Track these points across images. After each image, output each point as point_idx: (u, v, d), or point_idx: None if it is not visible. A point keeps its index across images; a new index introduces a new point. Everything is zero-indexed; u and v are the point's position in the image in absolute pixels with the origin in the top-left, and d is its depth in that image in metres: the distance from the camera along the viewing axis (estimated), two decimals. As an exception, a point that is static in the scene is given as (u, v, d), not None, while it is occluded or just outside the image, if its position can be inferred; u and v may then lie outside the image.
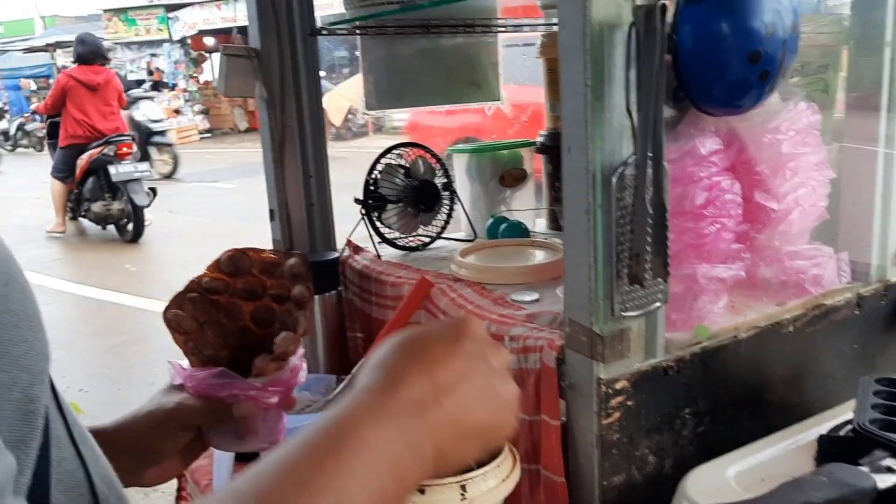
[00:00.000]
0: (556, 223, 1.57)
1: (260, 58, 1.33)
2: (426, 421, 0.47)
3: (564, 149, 0.87)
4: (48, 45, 19.21)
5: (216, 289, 0.81)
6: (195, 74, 18.82)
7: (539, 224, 1.61)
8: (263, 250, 0.83)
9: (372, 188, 1.43)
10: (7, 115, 17.48)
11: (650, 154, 0.82)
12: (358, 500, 0.42)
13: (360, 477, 0.42)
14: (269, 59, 1.34)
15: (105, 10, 18.64)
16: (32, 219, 8.91)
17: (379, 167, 1.43)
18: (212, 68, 19.46)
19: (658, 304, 0.89)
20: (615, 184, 0.83)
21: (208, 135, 18.06)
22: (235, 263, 0.81)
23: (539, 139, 1.56)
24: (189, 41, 18.25)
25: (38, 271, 6.40)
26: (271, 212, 1.44)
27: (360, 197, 1.41)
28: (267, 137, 1.38)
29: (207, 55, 19.08)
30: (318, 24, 1.36)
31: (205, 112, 18.42)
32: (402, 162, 1.47)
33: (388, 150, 1.45)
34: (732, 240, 0.98)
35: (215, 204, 9.22)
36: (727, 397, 1.00)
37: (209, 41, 18.62)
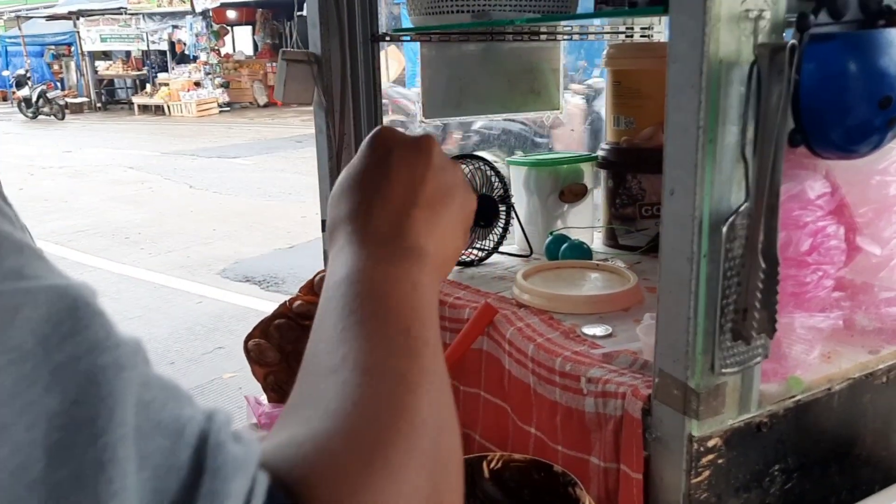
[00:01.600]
0: (613, 240, 1.51)
1: (320, 64, 1.27)
2: (412, 242, 0.50)
3: (666, 191, 0.81)
4: (70, 12, 19.20)
5: (309, 314, 0.74)
6: (216, 47, 18.74)
7: (596, 239, 1.55)
8: None
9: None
10: (29, 83, 17.49)
11: (766, 203, 0.76)
12: (416, 320, 0.44)
13: (410, 308, 0.45)
14: (330, 65, 1.28)
15: (128, -21, 18.55)
16: (54, 189, 8.92)
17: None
18: (233, 41, 19.40)
19: (758, 358, 0.83)
20: (725, 233, 0.77)
21: (227, 108, 18.04)
22: None
23: (600, 153, 1.50)
24: (211, 14, 18.14)
25: (60, 243, 6.41)
26: (324, 222, 1.38)
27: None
28: (323, 146, 1.33)
29: (229, 28, 19.01)
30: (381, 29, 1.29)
31: (225, 86, 18.38)
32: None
33: (447, 162, 1.39)
34: (833, 287, 0.92)
35: (235, 180, 9.20)
36: (817, 452, 0.95)
37: (231, 14, 18.54)
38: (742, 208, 0.77)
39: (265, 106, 17.94)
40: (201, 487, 0.29)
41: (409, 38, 1.34)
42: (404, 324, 0.44)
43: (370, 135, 0.56)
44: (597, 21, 1.36)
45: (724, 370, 0.80)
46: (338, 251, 0.50)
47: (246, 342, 0.73)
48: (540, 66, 1.55)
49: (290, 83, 1.27)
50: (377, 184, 0.52)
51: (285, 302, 0.74)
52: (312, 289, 0.74)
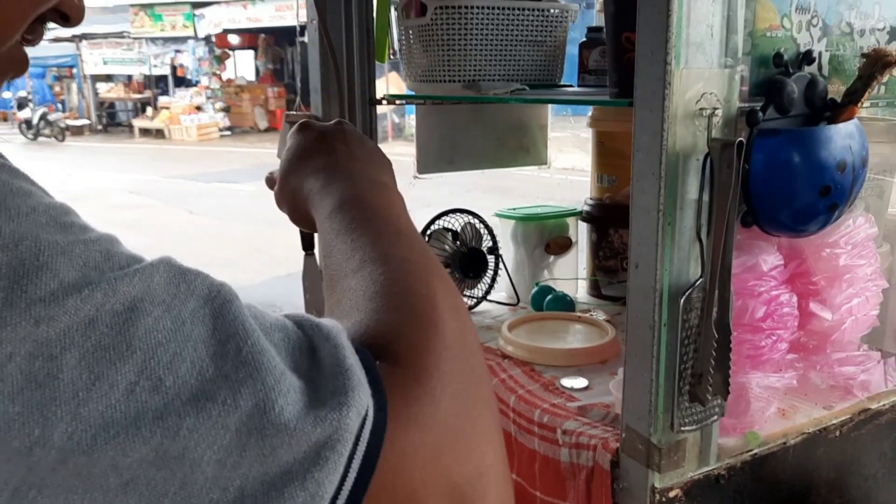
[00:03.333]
0: (597, 291, 1.59)
1: (321, 125, 1.36)
2: (374, 177, 0.66)
3: (631, 264, 0.90)
4: (74, 35, 19.41)
5: None
6: (218, 72, 18.95)
7: (581, 289, 1.64)
8: None
9: (420, 251, 1.46)
10: (31, 104, 17.65)
11: (718, 278, 0.85)
12: (404, 223, 0.59)
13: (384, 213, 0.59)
14: (330, 126, 1.37)
15: (132, 5, 18.78)
16: (54, 213, 8.98)
17: (429, 232, 1.46)
18: (234, 66, 19.61)
19: (715, 417, 0.91)
20: (682, 304, 0.86)
21: (228, 133, 18.20)
22: None
23: (585, 208, 1.59)
24: (214, 39, 18.36)
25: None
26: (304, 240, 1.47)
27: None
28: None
29: (231, 53, 19.22)
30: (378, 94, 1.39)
31: (226, 110, 18.55)
32: (453, 226, 1.49)
33: (439, 216, 1.48)
34: (787, 350, 1.00)
35: (234, 206, 9.28)
36: (774, 503, 1.02)
37: (234, 39, 18.76)
38: (698, 283, 0.86)
39: (266, 130, 18.09)
40: (320, 351, 0.38)
41: (403, 101, 1.43)
42: (395, 226, 0.57)
43: (298, 124, 0.74)
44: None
45: (683, 428, 0.89)
46: (319, 195, 0.64)
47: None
48: (528, 123, 1.64)
49: (292, 144, 1.36)
50: (327, 147, 0.68)
51: None
52: None
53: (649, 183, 0.85)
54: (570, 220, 1.60)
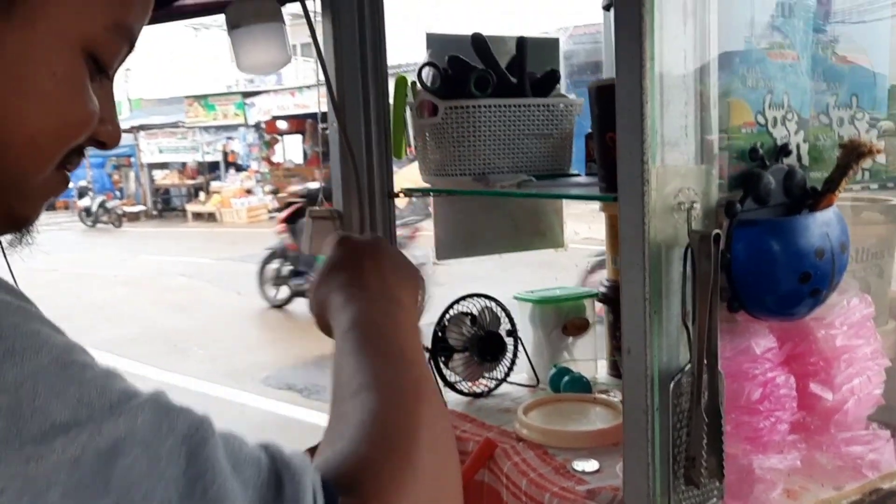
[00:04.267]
0: (616, 371, 1.61)
1: (342, 219, 1.45)
2: (392, 295, 0.70)
3: (624, 350, 0.94)
4: (132, 127, 20.41)
5: None
6: (268, 156, 19.62)
7: (601, 368, 1.66)
8: None
9: (440, 335, 1.51)
10: (90, 193, 18.47)
11: (706, 363, 0.88)
12: (408, 346, 0.63)
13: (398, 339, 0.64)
14: (350, 220, 1.46)
15: (187, 96, 19.74)
16: (109, 297, 9.31)
17: (448, 316, 1.52)
18: (283, 150, 20.29)
19: (714, 500, 0.93)
20: (672, 389, 0.89)
21: (276, 213, 18.68)
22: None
23: (601, 289, 1.63)
24: (263, 125, 19.10)
25: (112, 351, 6.66)
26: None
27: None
28: (345, 290, 1.49)
29: (280, 138, 19.93)
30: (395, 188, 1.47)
31: (274, 192, 19.11)
32: (470, 310, 1.55)
33: (457, 301, 1.54)
34: (787, 431, 1.02)
35: (282, 287, 9.47)
36: (784, 586, 1.02)
37: (282, 125, 19.48)
38: (686, 367, 0.89)
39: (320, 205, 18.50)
40: (286, 487, 0.42)
41: (420, 194, 1.51)
42: (398, 350, 0.61)
43: (338, 238, 0.78)
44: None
45: (681, 511, 0.90)
46: (338, 311, 0.68)
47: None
48: (543, 208, 1.70)
49: (316, 237, 1.45)
50: (356, 263, 0.73)
51: None
52: None
53: (635, 273, 0.90)
54: (587, 302, 1.64)
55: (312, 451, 0.56)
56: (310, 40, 1.36)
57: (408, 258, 0.79)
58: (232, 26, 1.29)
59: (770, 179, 0.91)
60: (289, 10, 1.51)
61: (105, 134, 0.61)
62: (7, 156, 0.54)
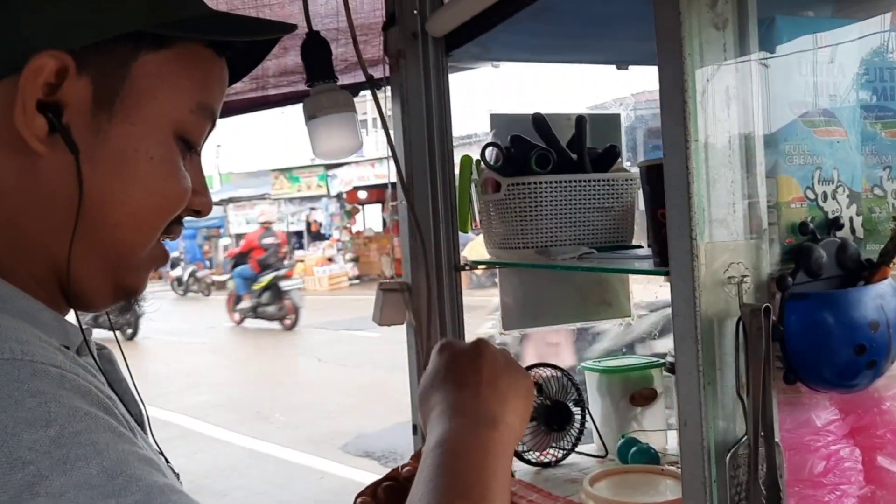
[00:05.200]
0: (686, 441, 1.60)
1: (410, 291, 1.52)
2: (498, 412, 0.70)
3: (680, 422, 0.95)
4: (222, 199, 21.39)
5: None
6: (348, 225, 20.18)
7: (671, 439, 1.65)
8: (405, 465, 0.93)
9: (507, 404, 1.54)
10: (182, 263, 19.31)
11: (762, 435, 0.89)
12: (487, 479, 0.62)
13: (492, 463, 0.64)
14: (418, 291, 1.52)
15: (273, 170, 20.62)
16: (197, 364, 9.64)
17: (514, 386, 1.55)
18: (363, 219, 20.84)
19: (778, 576, 0.92)
20: (729, 461, 0.90)
21: (357, 281, 19.08)
22: (393, 492, 0.89)
23: (668, 360, 1.63)
24: (345, 195, 19.71)
25: (198, 417, 6.87)
26: (414, 426, 1.57)
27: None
28: (413, 360, 1.54)
29: (360, 208, 20.50)
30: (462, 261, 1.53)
31: (355, 260, 19.56)
32: (537, 379, 1.57)
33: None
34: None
35: (360, 352, 9.62)
36: None
37: (362, 195, 20.05)
38: (743, 440, 0.90)
39: (392, 278, 18.80)
40: None
41: (485, 267, 1.57)
42: (477, 476, 0.62)
43: (438, 345, 0.79)
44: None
45: (742, 587, 0.90)
46: (432, 424, 0.69)
47: (355, 499, 0.88)
48: (608, 279, 1.73)
49: (386, 308, 1.52)
50: (455, 376, 0.73)
51: (397, 468, 0.89)
52: (420, 457, 0.90)
53: (688, 345, 0.92)
54: (656, 372, 1.64)
55: None
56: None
57: (515, 363, 0.78)
58: (309, 117, 1.40)
59: (822, 253, 0.93)
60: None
61: (199, 203, 0.70)
62: (114, 234, 0.63)
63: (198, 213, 0.70)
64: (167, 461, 0.67)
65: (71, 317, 0.66)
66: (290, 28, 0.73)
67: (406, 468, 0.90)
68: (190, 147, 0.68)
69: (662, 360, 1.64)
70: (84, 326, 0.66)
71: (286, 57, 1.75)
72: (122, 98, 0.61)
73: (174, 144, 0.65)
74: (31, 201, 0.59)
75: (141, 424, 0.71)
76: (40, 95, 0.57)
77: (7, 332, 0.50)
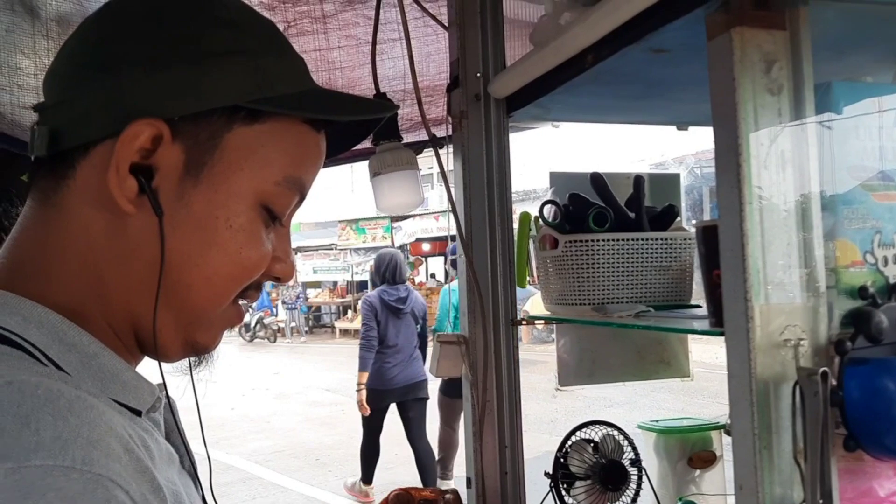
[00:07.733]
0: (748, 508, 1.55)
1: (467, 343, 1.54)
2: None
3: (736, 486, 0.94)
4: (293, 248, 21.86)
5: None
6: (412, 276, 20.32)
7: (731, 505, 1.60)
8: (423, 489, 1.11)
9: (561, 461, 1.53)
10: (251, 309, 19.74)
11: (821, 502, 0.87)
12: None
13: None
14: (475, 345, 1.54)
15: (340, 221, 21.06)
16: (260, 409, 9.77)
17: (569, 443, 1.54)
18: (426, 270, 20.97)
19: None
20: (786, 530, 0.88)
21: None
22: (401, 501, 1.02)
23: (727, 422, 1.60)
24: (408, 247, 19.92)
25: (259, 462, 6.94)
26: (468, 479, 1.57)
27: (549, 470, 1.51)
28: (469, 412, 1.55)
29: (423, 259, 20.66)
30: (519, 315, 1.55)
31: (417, 310, 19.62)
32: (592, 437, 1.56)
33: (579, 428, 1.56)
34: (924, 582, 0.96)
35: (420, 405, 9.57)
36: None
37: (426, 246, 20.23)
38: (800, 507, 0.88)
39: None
40: None
41: (542, 321, 1.58)
42: None
43: None
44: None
45: None
46: None
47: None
48: (667, 337, 1.71)
49: (443, 360, 1.54)
50: None
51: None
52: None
53: (743, 408, 0.91)
54: (715, 434, 1.61)
55: None
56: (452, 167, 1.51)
57: None
58: (374, 174, 1.45)
59: (882, 318, 0.91)
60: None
61: (280, 270, 0.72)
62: (189, 294, 0.66)
63: (278, 279, 0.72)
64: None
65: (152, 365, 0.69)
66: (390, 108, 0.74)
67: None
68: (274, 217, 0.69)
69: (722, 423, 1.61)
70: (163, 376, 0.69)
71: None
72: (210, 166, 0.64)
73: (257, 213, 0.67)
74: (116, 256, 0.63)
75: (194, 470, 0.74)
76: (135, 159, 0.61)
77: (79, 429, 0.50)
